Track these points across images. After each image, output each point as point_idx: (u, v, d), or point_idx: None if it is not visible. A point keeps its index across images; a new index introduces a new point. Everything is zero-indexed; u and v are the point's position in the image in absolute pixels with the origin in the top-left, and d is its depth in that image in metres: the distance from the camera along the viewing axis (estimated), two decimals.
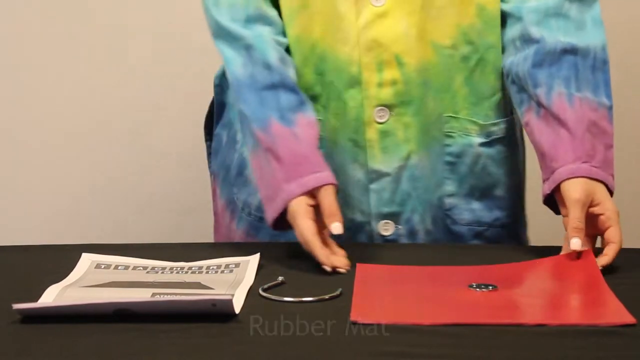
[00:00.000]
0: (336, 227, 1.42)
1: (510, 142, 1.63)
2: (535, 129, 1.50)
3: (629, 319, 1.19)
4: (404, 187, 1.56)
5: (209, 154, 1.76)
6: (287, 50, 1.55)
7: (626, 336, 1.15)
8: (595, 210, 1.42)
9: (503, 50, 1.57)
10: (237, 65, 1.52)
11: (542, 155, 1.49)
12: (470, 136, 1.58)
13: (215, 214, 1.74)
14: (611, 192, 1.45)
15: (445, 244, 1.60)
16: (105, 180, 2.50)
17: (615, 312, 1.21)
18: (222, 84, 1.70)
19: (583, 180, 1.43)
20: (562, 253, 1.42)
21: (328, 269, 1.40)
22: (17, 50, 2.45)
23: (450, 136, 1.58)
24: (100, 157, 2.49)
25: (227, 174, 1.68)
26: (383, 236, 1.57)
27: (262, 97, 1.50)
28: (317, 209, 1.44)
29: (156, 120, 2.45)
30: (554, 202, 1.48)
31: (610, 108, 1.49)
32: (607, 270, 1.37)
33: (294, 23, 1.54)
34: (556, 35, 1.50)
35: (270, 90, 1.50)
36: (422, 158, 1.56)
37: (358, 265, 1.40)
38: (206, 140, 1.76)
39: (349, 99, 1.54)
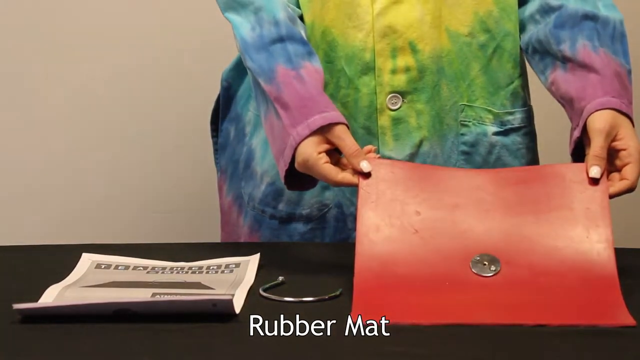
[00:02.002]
0: (365, 166, 1.37)
1: (527, 133, 1.62)
2: (562, 82, 1.48)
3: (629, 320, 1.19)
4: None
5: (216, 150, 1.75)
6: (300, 18, 1.54)
7: (626, 336, 1.15)
8: (618, 144, 1.39)
9: (521, 31, 1.57)
10: (245, 29, 1.50)
11: (570, 102, 1.46)
12: (485, 125, 1.58)
13: (222, 211, 1.73)
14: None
15: None
16: (105, 179, 2.50)
17: (616, 313, 1.21)
18: (229, 79, 1.69)
19: (610, 112, 1.40)
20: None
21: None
22: (16, 50, 2.45)
23: (466, 125, 1.57)
24: (101, 155, 2.49)
25: (236, 169, 1.68)
26: None
27: (270, 50, 1.47)
28: (330, 153, 1.40)
29: (158, 119, 2.44)
30: (579, 154, 1.44)
31: (630, 72, 1.47)
32: None
33: (307, 10, 1.54)
34: (576, 4, 1.51)
35: (278, 43, 1.47)
36: (434, 145, 1.56)
37: (360, 178, 1.37)
38: (213, 137, 1.76)
39: (361, 86, 1.54)
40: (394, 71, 1.53)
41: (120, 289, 1.31)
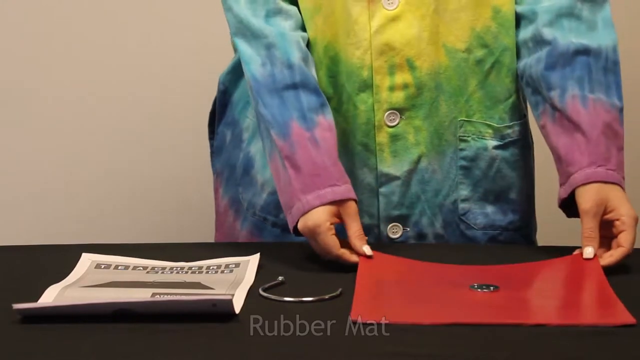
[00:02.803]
0: (367, 250, 1.43)
1: (524, 145, 1.62)
2: (552, 133, 1.50)
3: (629, 319, 1.19)
4: (413, 190, 1.55)
5: (212, 153, 1.75)
6: (308, 44, 1.54)
7: (626, 336, 1.15)
8: (610, 216, 1.44)
9: (517, 51, 1.56)
10: (256, 65, 1.50)
11: (558, 159, 1.49)
12: (485, 139, 1.57)
13: (217, 212, 1.73)
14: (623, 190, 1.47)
15: (448, 243, 1.60)
16: (105, 179, 2.50)
17: (616, 312, 1.21)
18: (226, 83, 1.69)
19: (597, 186, 1.44)
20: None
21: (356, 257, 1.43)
22: (16, 50, 2.45)
23: (465, 140, 1.57)
24: (101, 156, 2.49)
25: (232, 173, 1.68)
26: (392, 239, 1.57)
27: (283, 98, 1.48)
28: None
29: (158, 120, 2.44)
30: (568, 205, 1.48)
31: (621, 110, 1.50)
32: (608, 271, 1.37)
33: (310, 25, 1.53)
34: (568, 37, 1.50)
35: (292, 90, 1.48)
36: (432, 162, 1.56)
37: (361, 257, 1.41)
38: (210, 139, 1.76)
39: (359, 103, 1.53)
40: (391, 88, 1.52)
41: (120, 289, 1.31)
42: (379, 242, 1.57)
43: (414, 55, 1.52)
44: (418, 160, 1.55)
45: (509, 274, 1.38)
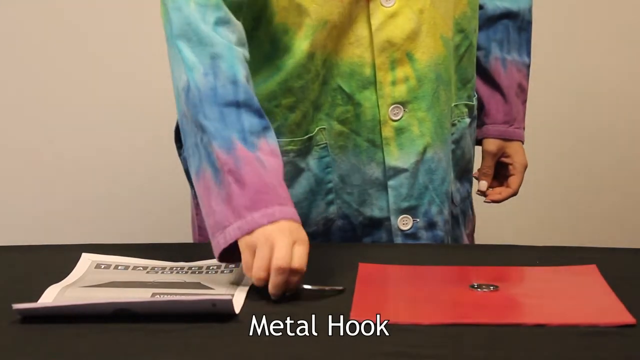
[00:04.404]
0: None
1: (476, 117, 1.72)
2: (478, 84, 1.75)
3: (629, 319, 1.19)
4: (420, 180, 1.56)
5: (186, 170, 1.63)
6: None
7: (626, 336, 1.15)
8: (505, 160, 1.77)
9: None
10: (198, 73, 1.38)
11: (480, 106, 1.75)
12: (465, 119, 1.65)
13: (200, 227, 1.68)
14: (522, 142, 1.77)
15: (446, 244, 1.60)
16: (105, 179, 2.50)
17: (615, 312, 1.21)
18: None
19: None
20: (478, 191, 1.76)
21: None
22: (18, 51, 2.45)
23: (454, 124, 1.63)
24: (101, 156, 2.49)
25: None
26: (403, 231, 1.57)
27: (225, 114, 1.36)
28: None
29: (158, 120, 2.45)
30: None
31: (529, 66, 1.77)
32: (607, 271, 1.37)
33: (312, 40, 1.49)
34: (495, 1, 1.74)
35: (234, 107, 1.37)
36: (437, 151, 1.58)
37: (360, 265, 1.40)
38: (179, 154, 1.67)
39: (363, 100, 1.54)
40: (393, 83, 1.53)
41: (120, 289, 1.31)
42: (390, 236, 1.57)
43: (414, 49, 1.53)
44: (424, 151, 1.56)
45: (509, 274, 1.38)
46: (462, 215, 1.70)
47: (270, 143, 1.37)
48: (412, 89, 1.54)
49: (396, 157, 1.55)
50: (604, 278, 1.34)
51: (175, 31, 1.42)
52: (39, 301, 1.27)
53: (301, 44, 1.50)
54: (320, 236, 1.59)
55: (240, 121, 1.36)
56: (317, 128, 1.55)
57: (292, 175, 1.54)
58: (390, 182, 1.56)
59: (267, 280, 1.28)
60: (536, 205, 2.57)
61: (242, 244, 1.31)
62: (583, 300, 1.28)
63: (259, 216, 1.31)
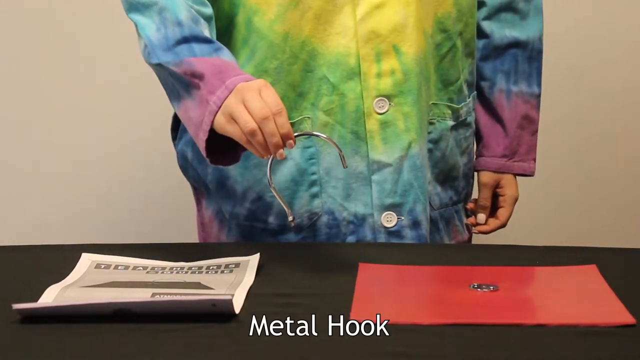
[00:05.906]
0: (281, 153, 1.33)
1: (468, 124, 1.70)
2: (477, 110, 1.74)
3: (629, 319, 1.19)
4: (405, 177, 1.56)
5: (180, 167, 1.72)
6: (207, 19, 1.50)
7: (626, 336, 1.15)
8: (498, 191, 1.76)
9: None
10: (151, 30, 1.47)
11: (478, 134, 1.76)
12: (446, 121, 1.64)
13: (202, 224, 1.71)
14: (531, 174, 1.76)
15: (447, 244, 1.60)
16: (105, 179, 2.50)
17: (615, 312, 1.21)
18: None
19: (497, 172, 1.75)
20: (468, 221, 1.75)
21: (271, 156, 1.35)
22: (17, 49, 2.45)
23: (432, 123, 1.62)
24: (100, 156, 2.49)
25: (208, 188, 1.66)
26: (386, 228, 1.57)
27: (177, 51, 1.44)
28: None
29: (158, 120, 2.45)
30: None
31: (539, 96, 1.74)
32: (607, 271, 1.37)
33: (284, 19, 1.52)
34: (503, 30, 1.71)
35: (184, 44, 1.44)
36: (422, 147, 1.57)
37: (360, 265, 1.40)
38: (175, 145, 1.72)
39: (347, 91, 1.54)
40: (379, 75, 1.53)
41: (120, 289, 1.31)
42: (374, 233, 1.57)
43: (400, 42, 1.53)
44: (409, 147, 1.56)
45: (509, 274, 1.38)
46: (445, 222, 1.68)
47: (224, 58, 1.42)
48: (398, 83, 1.54)
49: (380, 151, 1.55)
50: (604, 278, 1.34)
51: (125, 8, 1.50)
52: (39, 301, 1.27)
53: (272, 24, 1.52)
54: (306, 231, 1.59)
55: (191, 49, 1.43)
56: (302, 116, 1.55)
57: (274, 161, 1.54)
58: (374, 177, 1.56)
59: (260, 130, 1.31)
60: (536, 206, 2.57)
61: (220, 122, 1.35)
62: (583, 300, 1.28)
63: (220, 92, 1.36)
